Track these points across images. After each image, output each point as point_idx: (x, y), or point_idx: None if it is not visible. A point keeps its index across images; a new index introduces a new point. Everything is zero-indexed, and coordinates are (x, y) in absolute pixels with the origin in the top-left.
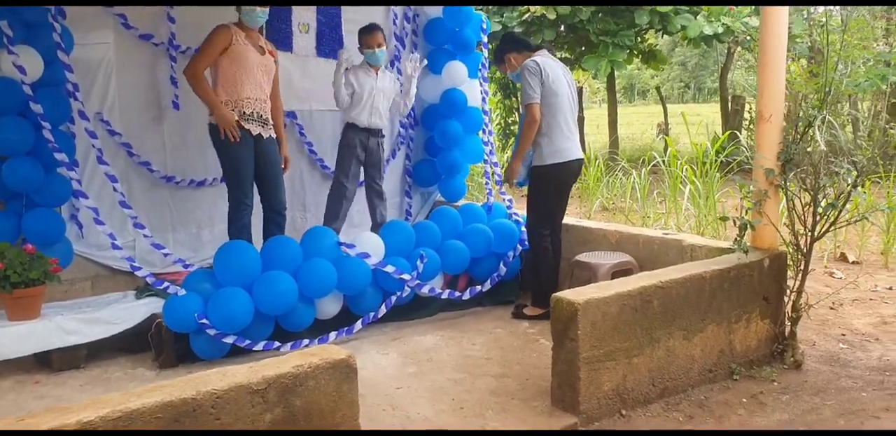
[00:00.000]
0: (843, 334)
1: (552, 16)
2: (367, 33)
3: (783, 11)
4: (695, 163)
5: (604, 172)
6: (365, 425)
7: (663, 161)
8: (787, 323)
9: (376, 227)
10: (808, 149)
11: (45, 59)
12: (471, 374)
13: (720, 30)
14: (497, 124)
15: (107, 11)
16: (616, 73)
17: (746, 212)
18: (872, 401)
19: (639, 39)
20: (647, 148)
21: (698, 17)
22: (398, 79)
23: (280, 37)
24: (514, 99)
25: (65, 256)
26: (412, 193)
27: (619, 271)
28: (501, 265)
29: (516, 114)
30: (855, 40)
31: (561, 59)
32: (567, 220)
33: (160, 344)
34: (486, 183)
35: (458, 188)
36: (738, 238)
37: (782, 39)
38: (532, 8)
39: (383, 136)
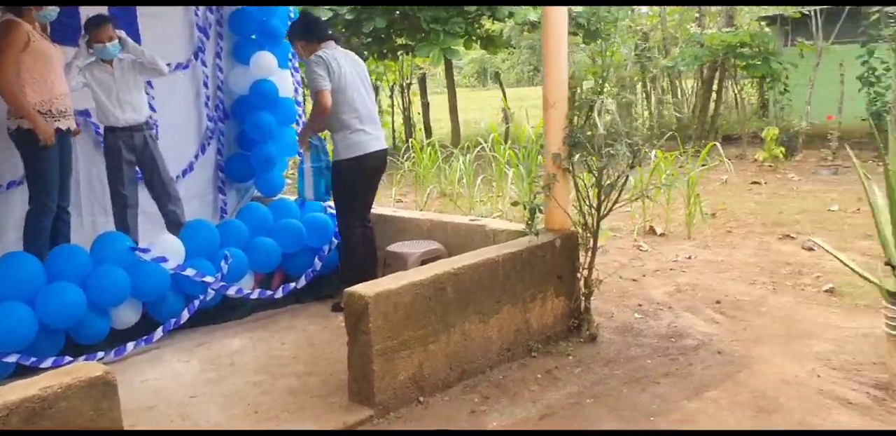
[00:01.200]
0: (640, 305)
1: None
2: (96, 27)
3: None
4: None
5: (438, 158)
6: None
7: (489, 147)
8: (581, 298)
9: (171, 227)
10: (589, 133)
11: None
12: (272, 375)
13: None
14: None
15: None
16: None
17: (535, 196)
18: (655, 367)
19: (476, 25)
20: (489, 133)
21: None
22: (132, 62)
23: (68, 32)
24: None
25: None
26: (226, 190)
27: (429, 259)
28: (317, 260)
29: None
30: (669, 23)
31: (397, 45)
32: (383, 210)
33: None
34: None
35: (276, 183)
36: (529, 221)
37: (562, 29)
38: None
39: (151, 127)
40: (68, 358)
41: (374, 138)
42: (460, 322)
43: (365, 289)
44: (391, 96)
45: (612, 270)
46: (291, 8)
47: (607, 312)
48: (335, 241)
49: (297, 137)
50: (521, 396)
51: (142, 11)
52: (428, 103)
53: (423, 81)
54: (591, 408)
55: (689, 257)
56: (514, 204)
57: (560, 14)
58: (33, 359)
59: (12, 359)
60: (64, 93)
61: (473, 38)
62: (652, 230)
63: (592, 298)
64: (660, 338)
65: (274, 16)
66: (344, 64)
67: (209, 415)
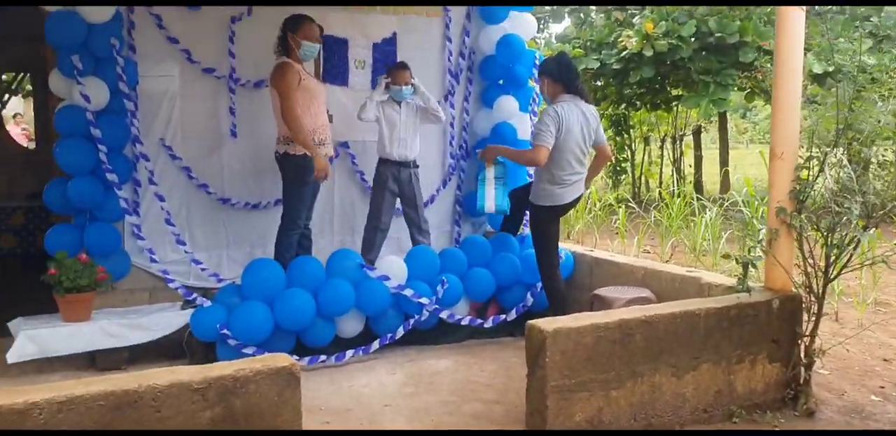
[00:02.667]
0: (883, 387)
1: (649, 53)
2: (399, 70)
3: (797, 46)
4: None
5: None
6: None
7: (744, 202)
8: (801, 368)
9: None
10: (818, 188)
11: (111, 89)
12: (463, 398)
13: (830, 68)
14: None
15: (173, 47)
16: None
17: (749, 250)
18: None
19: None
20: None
21: (808, 55)
22: (417, 107)
23: (337, 72)
24: (625, 135)
25: (121, 267)
26: (461, 223)
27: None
28: (529, 295)
29: (628, 151)
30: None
31: (671, 96)
32: (599, 254)
33: (193, 351)
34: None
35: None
36: (741, 277)
37: (796, 76)
38: (629, 45)
39: (416, 166)
40: (296, 357)
41: (574, 189)
42: (649, 373)
43: (545, 323)
44: (661, 147)
45: (864, 346)
46: (537, 53)
47: (839, 390)
48: None
49: (483, 150)
50: None
51: (401, 56)
52: (701, 156)
53: (697, 134)
54: None
55: None
56: (725, 257)
57: (795, 51)
58: (266, 354)
59: (249, 351)
60: (325, 124)
61: (757, 91)
62: None
63: (822, 370)
64: (894, 425)
65: (519, 62)
66: (574, 121)
67: (395, 424)
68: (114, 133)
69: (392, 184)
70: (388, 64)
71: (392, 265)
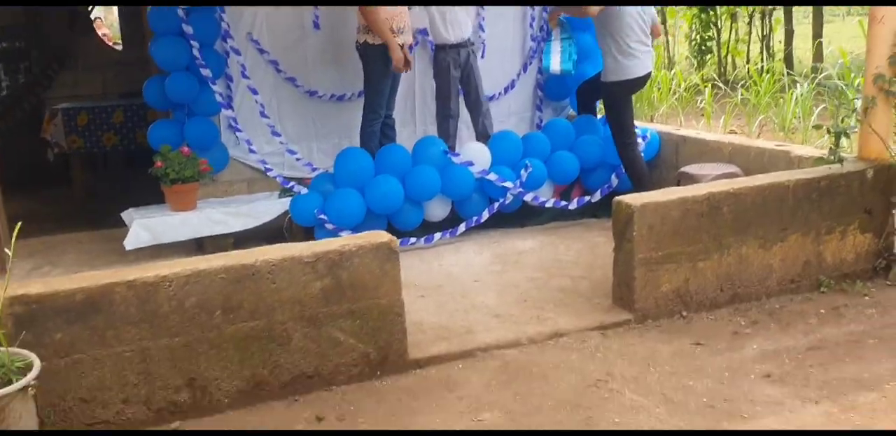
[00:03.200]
0: None
1: None
2: None
3: None
4: None
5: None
6: (429, 306)
7: (839, 75)
8: (894, 238)
9: (480, 138)
10: None
11: None
12: (550, 274)
13: None
14: (692, 40)
15: None
16: None
17: (843, 120)
18: None
19: None
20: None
21: None
22: None
23: None
24: (710, 12)
25: (220, 159)
26: (543, 107)
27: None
28: (613, 176)
29: (713, 28)
30: None
31: None
32: (685, 131)
33: (292, 236)
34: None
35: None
36: (832, 147)
37: None
38: None
39: (472, 43)
40: None
41: (643, 63)
42: (736, 245)
43: (632, 199)
44: (749, 23)
45: None
46: None
47: None
48: None
49: (548, 15)
50: (794, 326)
51: None
52: (792, 31)
53: (788, 7)
54: (871, 348)
55: None
56: (817, 127)
57: None
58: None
59: (345, 234)
60: (403, 11)
61: None
62: None
63: None
64: None
65: None
66: None
67: (485, 297)
68: (204, 29)
69: (454, 69)
70: None
71: (476, 151)
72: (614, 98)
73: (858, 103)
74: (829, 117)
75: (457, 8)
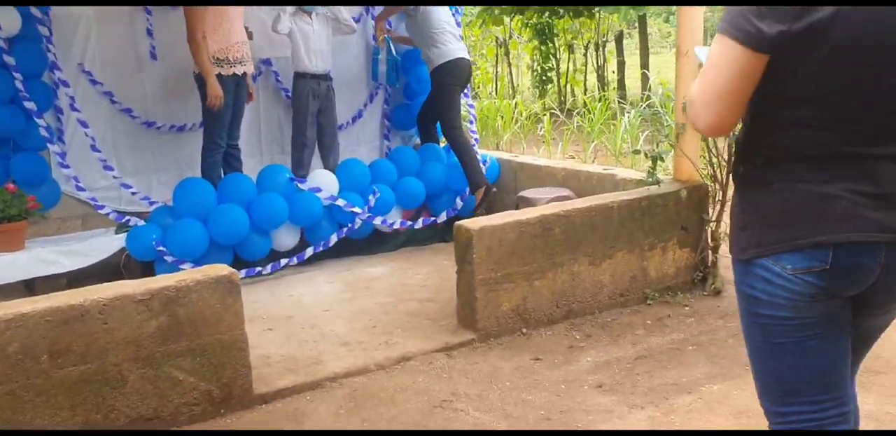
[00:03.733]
0: None
1: None
2: None
3: None
4: None
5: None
6: (277, 339)
7: (661, 103)
8: (709, 251)
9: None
10: None
11: (22, 15)
12: (399, 299)
13: None
14: (533, 71)
15: None
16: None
17: (658, 145)
18: None
19: None
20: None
21: None
22: (328, 18)
23: None
24: (550, 44)
25: (51, 195)
26: (391, 136)
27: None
28: (458, 200)
29: (553, 59)
30: None
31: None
32: (523, 158)
33: (130, 273)
34: None
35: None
36: (650, 170)
37: None
38: None
39: (331, 78)
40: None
41: (456, 48)
42: (569, 263)
43: (470, 223)
44: (585, 54)
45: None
46: None
47: None
48: None
49: (374, 27)
50: (624, 337)
51: None
52: (623, 62)
53: (619, 40)
54: (690, 354)
55: None
56: (636, 152)
57: None
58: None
59: (187, 266)
60: (241, 41)
61: None
62: None
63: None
64: None
65: None
66: None
67: (334, 326)
68: (29, 60)
69: (313, 100)
70: None
71: (323, 177)
72: (439, 86)
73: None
74: (654, 142)
75: (322, 38)
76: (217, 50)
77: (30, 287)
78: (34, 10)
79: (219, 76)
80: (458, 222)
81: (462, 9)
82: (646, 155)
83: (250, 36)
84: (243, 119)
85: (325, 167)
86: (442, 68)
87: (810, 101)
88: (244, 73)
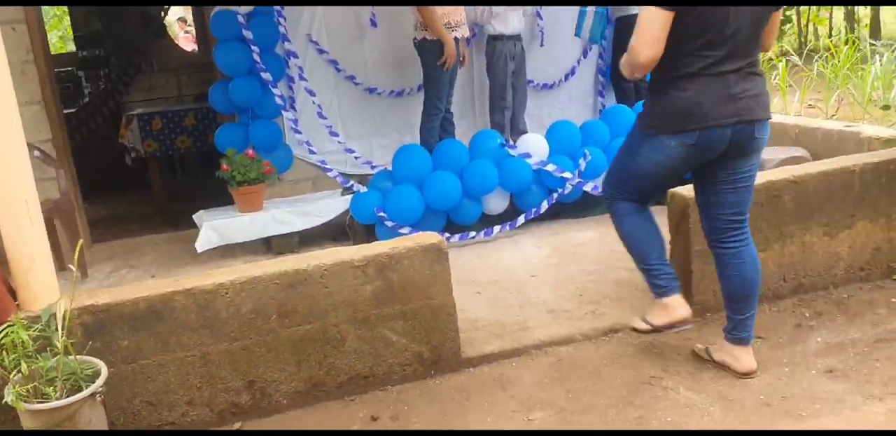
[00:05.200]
0: None
1: None
2: None
3: None
4: None
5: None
6: (484, 303)
7: None
8: None
9: (516, 133)
10: None
11: None
12: (607, 266)
13: None
14: None
15: None
16: None
17: None
18: None
19: None
20: None
21: None
22: None
23: None
24: None
25: (285, 159)
26: (605, 94)
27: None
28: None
29: None
30: None
31: None
32: None
33: (355, 233)
34: None
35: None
36: None
37: None
38: None
39: (521, 39)
40: (447, 234)
41: None
42: (799, 233)
43: (686, 190)
44: None
45: None
46: None
47: None
48: None
49: None
50: (862, 317)
51: None
52: None
53: None
54: None
55: None
56: (885, 108)
57: None
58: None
59: (405, 230)
60: (458, 7)
61: None
62: None
63: None
64: None
65: None
66: None
67: (540, 292)
68: (264, 33)
69: (509, 61)
70: None
71: (533, 142)
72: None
73: None
74: None
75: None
76: (440, 14)
77: (267, 244)
78: None
79: (439, 42)
80: (671, 190)
81: None
82: None
83: None
84: (458, 82)
85: (515, 130)
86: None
87: (690, 39)
88: (460, 37)
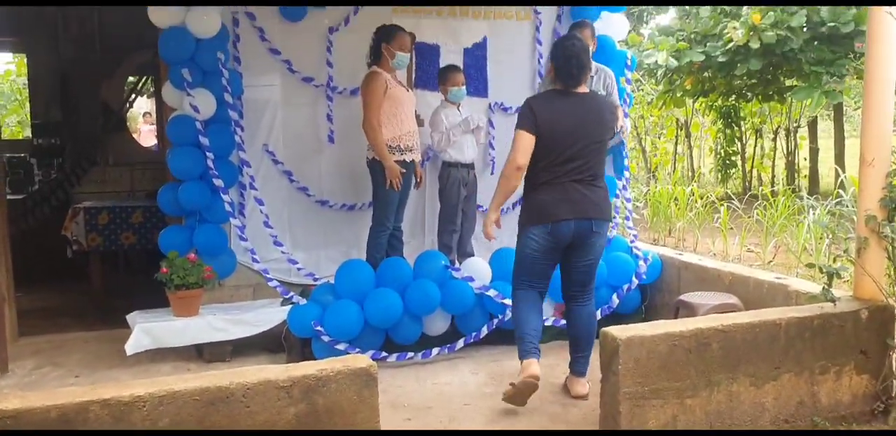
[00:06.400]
0: None
1: (755, 45)
2: (453, 73)
3: (890, 51)
4: None
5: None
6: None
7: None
8: (893, 381)
9: (462, 257)
10: None
11: (217, 99)
12: (543, 399)
13: None
14: (717, 154)
15: (275, 58)
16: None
17: (835, 260)
18: None
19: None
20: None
21: None
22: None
23: (429, 78)
24: (735, 128)
25: (227, 265)
26: None
27: (721, 313)
28: (615, 297)
29: (738, 143)
30: None
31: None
32: (688, 257)
33: (290, 346)
34: (615, 217)
35: None
36: (825, 286)
37: (889, 74)
38: (735, 37)
39: (474, 167)
40: (384, 353)
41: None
42: (726, 382)
43: (618, 331)
44: (774, 139)
45: None
46: (629, 54)
47: None
48: (636, 281)
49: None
50: None
51: (491, 59)
52: (817, 149)
53: (813, 125)
54: None
55: None
56: (810, 266)
57: (889, 46)
58: (357, 350)
59: (342, 347)
60: (412, 130)
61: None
62: None
63: None
64: None
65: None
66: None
67: (473, 423)
68: (220, 141)
69: (462, 187)
70: (479, 68)
71: (477, 266)
72: None
73: (852, 243)
74: (842, 245)
75: (463, 133)
76: (389, 138)
77: (199, 350)
78: (228, 96)
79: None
80: (605, 329)
81: (631, 100)
82: (821, 270)
83: (421, 122)
84: (410, 202)
85: (462, 251)
86: None
87: (541, 158)
88: (412, 161)
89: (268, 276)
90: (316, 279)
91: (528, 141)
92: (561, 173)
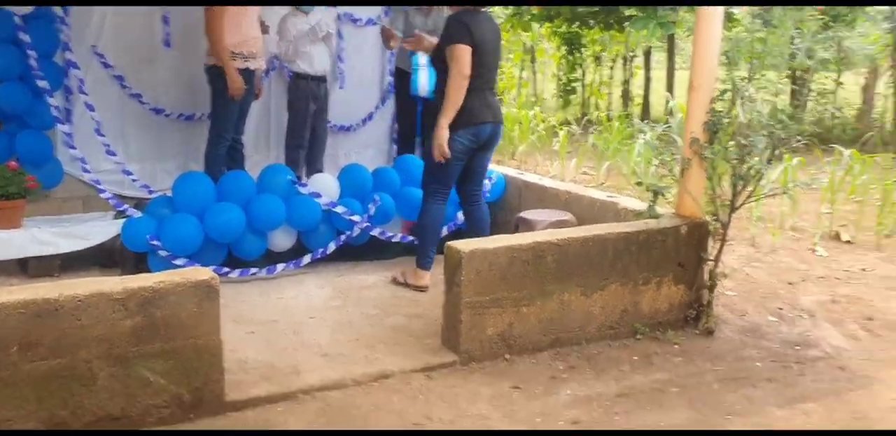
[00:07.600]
0: (781, 309)
1: None
2: None
3: None
4: None
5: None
6: (257, 343)
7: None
8: (705, 290)
9: (314, 172)
10: (726, 121)
11: None
12: (386, 312)
13: None
14: (559, 80)
15: None
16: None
17: (661, 179)
18: (762, 371)
19: None
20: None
21: None
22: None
23: None
24: (577, 54)
25: (54, 175)
26: (399, 142)
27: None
28: (460, 214)
29: (579, 70)
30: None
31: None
32: (528, 177)
33: (124, 261)
34: None
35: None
36: (651, 203)
37: (718, 8)
38: None
39: (326, 80)
40: (226, 269)
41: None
42: (559, 292)
43: (462, 244)
44: (612, 67)
45: (774, 270)
46: None
47: (741, 311)
48: None
49: (409, 40)
50: (608, 373)
51: None
52: (650, 78)
53: (648, 55)
54: (672, 397)
55: (864, 269)
56: (638, 184)
57: None
58: (197, 265)
59: (180, 262)
60: (255, 36)
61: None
62: (837, 236)
63: (729, 292)
64: (784, 344)
65: None
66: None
67: (318, 335)
68: (43, 39)
69: (312, 101)
70: None
71: (324, 182)
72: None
73: (676, 165)
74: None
75: (313, 43)
76: (232, 43)
77: (24, 265)
78: None
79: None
80: (448, 243)
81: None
82: (647, 188)
83: (265, 30)
84: (253, 114)
85: (312, 169)
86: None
87: (474, 67)
88: (255, 69)
89: (100, 187)
90: (151, 192)
91: (469, 53)
92: (481, 82)
